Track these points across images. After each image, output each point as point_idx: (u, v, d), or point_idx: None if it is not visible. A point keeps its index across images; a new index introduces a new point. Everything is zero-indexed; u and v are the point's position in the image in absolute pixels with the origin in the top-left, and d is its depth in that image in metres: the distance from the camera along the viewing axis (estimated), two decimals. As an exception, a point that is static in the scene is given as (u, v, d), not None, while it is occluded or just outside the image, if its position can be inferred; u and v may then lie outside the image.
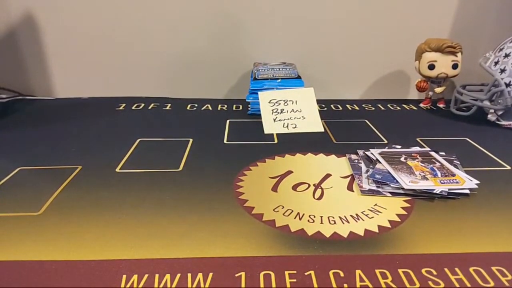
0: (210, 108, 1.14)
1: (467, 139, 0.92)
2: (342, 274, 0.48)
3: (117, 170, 0.75)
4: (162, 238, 0.55)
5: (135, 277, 0.47)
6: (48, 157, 0.80)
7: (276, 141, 0.90)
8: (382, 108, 1.17)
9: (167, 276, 0.48)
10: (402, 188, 0.67)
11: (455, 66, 1.09)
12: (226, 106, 1.17)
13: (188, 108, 1.14)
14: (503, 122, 1.00)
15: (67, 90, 1.22)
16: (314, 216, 0.60)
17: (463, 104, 1.08)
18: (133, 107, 1.13)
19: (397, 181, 0.68)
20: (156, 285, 0.46)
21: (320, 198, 0.66)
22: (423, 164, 0.74)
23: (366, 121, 1.05)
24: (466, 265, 0.50)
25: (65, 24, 1.14)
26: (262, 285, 0.46)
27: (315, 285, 0.46)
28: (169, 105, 1.16)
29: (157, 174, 0.73)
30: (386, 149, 0.82)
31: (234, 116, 1.08)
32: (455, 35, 1.20)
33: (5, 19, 1.12)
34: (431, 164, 0.75)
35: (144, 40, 1.17)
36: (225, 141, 0.89)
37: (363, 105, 1.20)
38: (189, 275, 0.48)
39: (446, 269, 0.49)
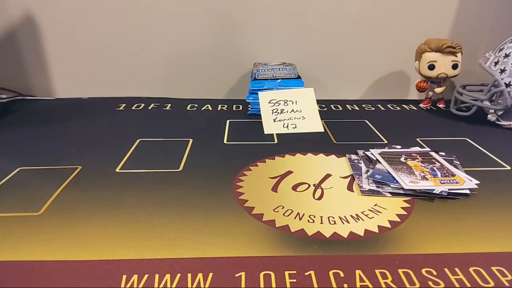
0: (210, 108, 1.14)
1: (467, 139, 0.92)
2: (342, 274, 0.48)
3: (117, 170, 0.75)
4: (162, 238, 0.55)
5: (135, 277, 0.47)
6: (48, 157, 0.80)
7: (276, 141, 0.90)
8: (382, 108, 1.17)
9: (167, 276, 0.48)
10: (402, 188, 0.67)
11: (455, 66, 1.09)
12: (226, 106, 1.17)
13: (188, 108, 1.14)
14: (503, 122, 1.00)
15: (67, 90, 1.22)
16: (314, 216, 0.60)
17: (463, 104, 1.08)
18: (133, 107, 1.13)
19: (397, 181, 0.68)
20: (156, 285, 0.46)
21: (320, 198, 0.66)
22: (423, 164, 0.74)
23: (366, 121, 1.05)
24: (466, 265, 0.50)
25: (65, 25, 1.14)
26: (262, 285, 0.46)
27: (315, 285, 0.46)
28: (169, 105, 1.16)
29: (157, 174, 0.73)
30: (386, 149, 0.82)
31: (234, 116, 1.08)
32: (455, 35, 1.20)
33: (5, 19, 1.12)
34: (431, 164, 0.75)
35: (144, 40, 1.17)
36: (225, 141, 0.89)
37: (363, 105, 1.20)
38: (189, 275, 0.48)
39: (446, 269, 0.49)
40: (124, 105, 1.15)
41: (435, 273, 0.48)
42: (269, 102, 1.00)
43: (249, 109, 1.07)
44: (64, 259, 0.50)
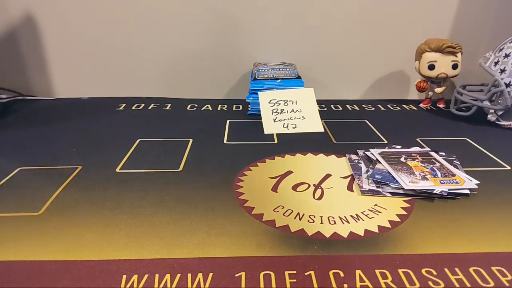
0: (210, 108, 1.14)
1: (467, 139, 0.92)
2: (342, 274, 0.48)
3: (117, 170, 0.75)
4: (162, 238, 0.55)
5: (135, 277, 0.47)
6: (48, 157, 0.80)
7: (276, 141, 0.90)
8: (382, 108, 1.17)
9: (167, 276, 0.48)
10: (402, 188, 0.67)
11: (455, 66, 1.09)
12: (226, 106, 1.17)
13: (188, 108, 1.14)
14: (503, 122, 1.00)
15: (67, 90, 1.22)
16: (314, 216, 0.60)
17: (463, 104, 1.08)
18: (133, 107, 1.13)
19: (397, 181, 0.68)
20: (156, 285, 0.46)
21: (320, 198, 0.66)
22: (423, 164, 0.74)
23: (366, 121, 1.05)
24: (466, 265, 0.50)
25: (65, 25, 1.14)
26: (262, 285, 0.46)
27: (315, 285, 0.46)
28: (169, 105, 1.16)
29: (157, 174, 0.73)
30: (386, 149, 0.82)
31: (234, 116, 1.08)
32: (455, 35, 1.20)
33: (5, 20, 1.12)
34: (431, 164, 0.75)
35: (144, 40, 1.17)
36: (225, 141, 0.89)
37: (363, 105, 1.20)
38: (189, 275, 0.48)
39: (446, 269, 0.49)
40: (124, 105, 1.15)
41: (435, 273, 0.48)
42: (269, 102, 1.00)
43: (249, 109, 1.07)
44: (64, 259, 0.50)
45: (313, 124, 0.97)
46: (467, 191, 0.67)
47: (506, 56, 0.96)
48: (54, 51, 1.17)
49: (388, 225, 0.58)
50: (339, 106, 1.19)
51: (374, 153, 0.80)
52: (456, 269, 0.49)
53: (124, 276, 0.47)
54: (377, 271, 0.49)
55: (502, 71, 0.96)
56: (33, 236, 0.55)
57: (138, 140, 0.89)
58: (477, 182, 0.69)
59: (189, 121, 1.03)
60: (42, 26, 1.14)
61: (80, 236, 0.55)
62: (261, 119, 0.98)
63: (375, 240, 0.55)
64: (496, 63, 0.98)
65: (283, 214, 0.61)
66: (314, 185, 0.70)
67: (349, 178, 0.73)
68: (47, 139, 0.89)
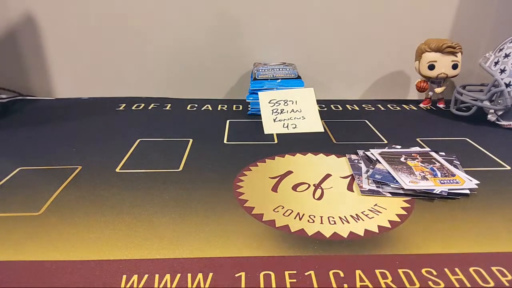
0: (210, 108, 1.14)
1: (467, 139, 0.92)
2: (342, 274, 0.48)
3: (117, 170, 0.75)
4: (162, 238, 0.55)
5: (135, 277, 0.47)
6: (48, 157, 0.80)
7: (276, 141, 0.90)
8: (382, 108, 1.17)
9: (167, 276, 0.48)
10: (402, 188, 0.67)
11: (455, 66, 1.09)
12: (226, 106, 1.17)
13: (188, 108, 1.14)
14: (503, 122, 1.00)
15: (67, 90, 1.22)
16: (314, 216, 0.60)
17: (463, 104, 1.08)
18: (133, 107, 1.13)
19: (397, 181, 0.68)
20: (156, 285, 0.46)
21: (320, 198, 0.66)
22: (423, 164, 0.74)
23: (366, 121, 1.05)
24: (466, 265, 0.50)
25: (65, 25, 1.14)
26: (262, 285, 0.46)
27: (315, 285, 0.46)
28: (169, 105, 1.16)
29: (157, 174, 0.73)
30: (386, 149, 0.82)
31: (234, 116, 1.08)
32: (455, 35, 1.20)
33: (5, 19, 1.12)
34: (431, 164, 0.75)
35: (144, 40, 1.17)
36: (225, 141, 0.89)
37: (363, 105, 1.20)
38: (189, 275, 0.48)
39: (446, 269, 0.49)
40: (124, 105, 1.15)
41: (435, 273, 0.48)
42: (269, 102, 1.00)
43: (249, 109, 1.07)
44: (64, 259, 0.50)
45: (313, 124, 0.97)
46: (467, 191, 0.67)
47: (506, 56, 0.96)
48: (54, 51, 1.17)
49: (388, 225, 0.58)
50: (339, 106, 1.19)
51: (374, 153, 0.80)
52: (456, 269, 0.49)
53: (124, 276, 0.47)
54: (377, 271, 0.49)
55: (502, 71, 0.96)
56: (33, 236, 0.55)
57: (138, 140, 0.89)
58: (477, 182, 0.69)
59: (189, 121, 1.03)
60: (42, 26, 1.14)
61: (80, 236, 0.55)
62: (261, 119, 0.98)
63: (375, 240, 0.55)
64: (496, 63, 0.98)
65: (283, 214, 0.61)
66: (314, 185, 0.70)
67: (349, 178, 0.73)
68: (47, 139, 0.89)
